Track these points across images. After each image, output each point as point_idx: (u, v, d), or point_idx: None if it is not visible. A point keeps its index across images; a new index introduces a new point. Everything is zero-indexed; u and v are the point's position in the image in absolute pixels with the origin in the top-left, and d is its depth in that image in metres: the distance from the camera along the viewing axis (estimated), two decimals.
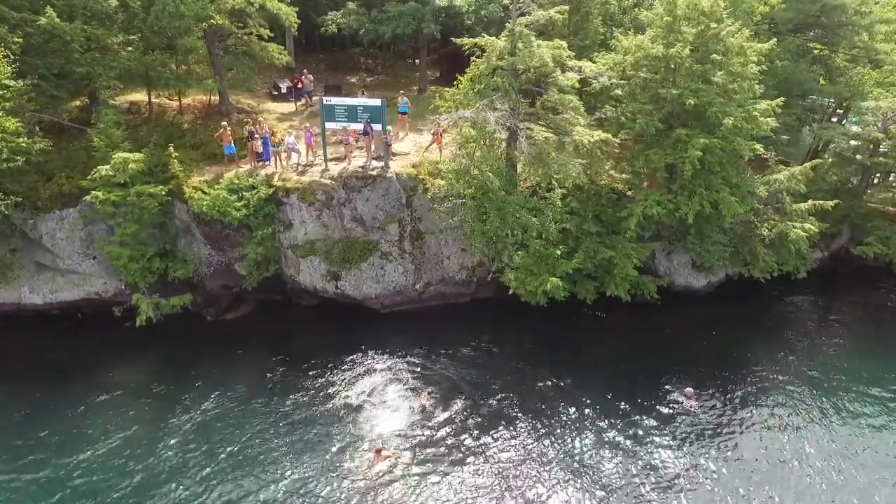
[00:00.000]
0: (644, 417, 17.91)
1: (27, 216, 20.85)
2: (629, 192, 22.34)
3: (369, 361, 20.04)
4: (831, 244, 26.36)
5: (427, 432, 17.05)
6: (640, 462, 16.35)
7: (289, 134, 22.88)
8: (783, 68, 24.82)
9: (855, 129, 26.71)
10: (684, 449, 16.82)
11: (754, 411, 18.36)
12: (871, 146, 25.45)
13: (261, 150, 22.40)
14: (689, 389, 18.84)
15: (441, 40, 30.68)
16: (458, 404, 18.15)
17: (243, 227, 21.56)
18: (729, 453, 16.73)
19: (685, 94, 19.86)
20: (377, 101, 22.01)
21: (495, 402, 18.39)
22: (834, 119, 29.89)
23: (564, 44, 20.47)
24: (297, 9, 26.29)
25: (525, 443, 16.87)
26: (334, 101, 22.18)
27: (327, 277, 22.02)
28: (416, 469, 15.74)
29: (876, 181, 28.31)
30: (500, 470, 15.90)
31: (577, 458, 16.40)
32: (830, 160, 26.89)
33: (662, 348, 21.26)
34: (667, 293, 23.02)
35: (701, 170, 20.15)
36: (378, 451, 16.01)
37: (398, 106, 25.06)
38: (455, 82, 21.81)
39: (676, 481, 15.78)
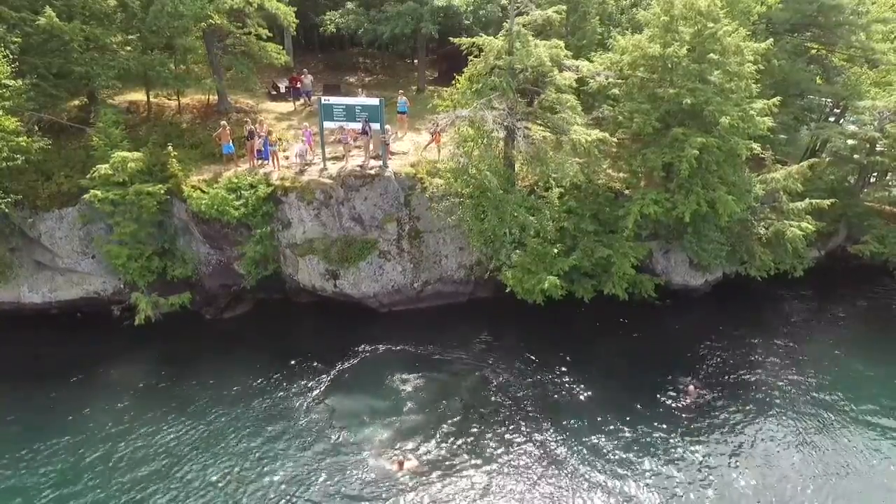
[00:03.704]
0: (643, 415, 17.99)
1: (26, 215, 20.91)
2: (626, 191, 22.40)
3: (368, 360, 20.09)
4: (828, 243, 26.43)
5: (429, 433, 17.10)
6: (641, 459, 16.43)
7: (301, 142, 22.63)
8: (780, 68, 24.86)
9: (852, 128, 26.77)
10: (684, 446, 16.91)
11: (753, 409, 18.44)
12: (868, 145, 25.51)
13: (261, 148, 22.46)
14: (692, 387, 18.94)
15: (439, 40, 30.68)
16: (460, 404, 18.25)
17: (242, 226, 21.62)
18: (728, 451, 16.83)
19: (682, 93, 19.93)
20: (375, 101, 22.08)
21: (496, 401, 18.47)
22: (832, 118, 29.96)
23: (562, 43, 20.54)
24: (296, 8, 26.31)
25: (527, 443, 16.93)
26: (332, 100, 22.25)
27: (326, 276, 22.07)
28: (435, 477, 15.68)
29: (873, 180, 28.39)
30: (505, 471, 15.98)
31: (579, 455, 16.48)
32: (828, 159, 26.95)
33: (660, 347, 21.34)
34: (664, 292, 23.10)
35: (698, 169, 20.21)
36: (400, 463, 15.87)
37: (397, 105, 25.10)
38: (453, 82, 21.88)
39: (677, 478, 15.86)
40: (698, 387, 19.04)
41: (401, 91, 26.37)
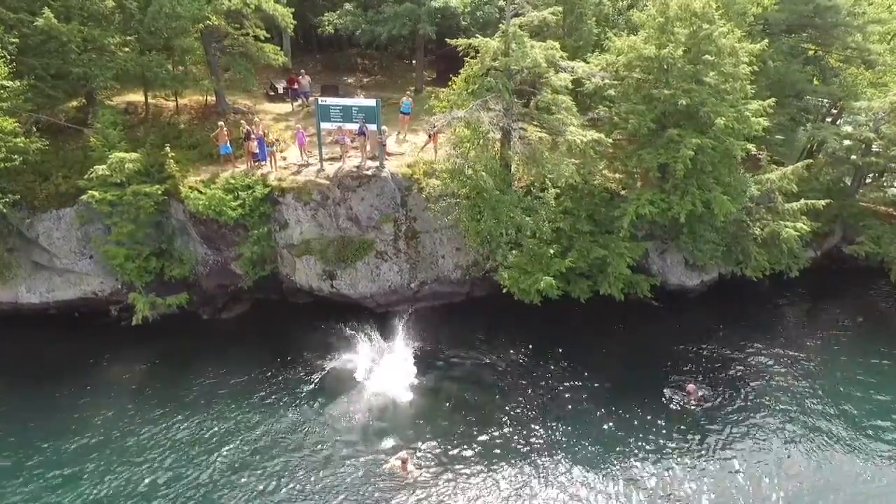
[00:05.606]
0: (643, 414, 18.09)
1: (24, 215, 20.99)
2: (622, 192, 22.45)
3: (365, 360, 20.12)
4: (824, 243, 26.48)
5: (431, 433, 17.18)
6: (641, 458, 16.52)
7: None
8: (776, 69, 24.95)
9: (847, 129, 26.82)
10: (684, 445, 17.00)
11: (750, 408, 18.52)
12: (864, 146, 25.57)
13: (257, 150, 22.53)
14: (692, 386, 19.00)
15: (438, 41, 30.73)
16: (459, 404, 18.34)
17: (239, 227, 21.67)
18: (726, 450, 16.92)
19: (677, 94, 19.98)
20: (372, 102, 22.15)
21: (494, 400, 18.55)
22: (829, 119, 30.03)
23: (557, 44, 20.58)
24: (294, 9, 26.36)
25: (526, 442, 17.02)
26: (329, 101, 22.33)
27: (323, 276, 22.14)
28: (438, 476, 15.76)
29: (868, 181, 28.47)
30: (506, 470, 16.07)
31: (577, 455, 16.56)
32: (824, 160, 27.03)
33: (656, 347, 21.40)
34: (660, 292, 23.14)
35: (693, 169, 20.25)
36: (404, 461, 15.92)
37: (401, 106, 25.01)
38: (450, 83, 21.93)
39: (677, 477, 15.94)
40: (697, 386, 19.10)
41: (407, 92, 26.38)
